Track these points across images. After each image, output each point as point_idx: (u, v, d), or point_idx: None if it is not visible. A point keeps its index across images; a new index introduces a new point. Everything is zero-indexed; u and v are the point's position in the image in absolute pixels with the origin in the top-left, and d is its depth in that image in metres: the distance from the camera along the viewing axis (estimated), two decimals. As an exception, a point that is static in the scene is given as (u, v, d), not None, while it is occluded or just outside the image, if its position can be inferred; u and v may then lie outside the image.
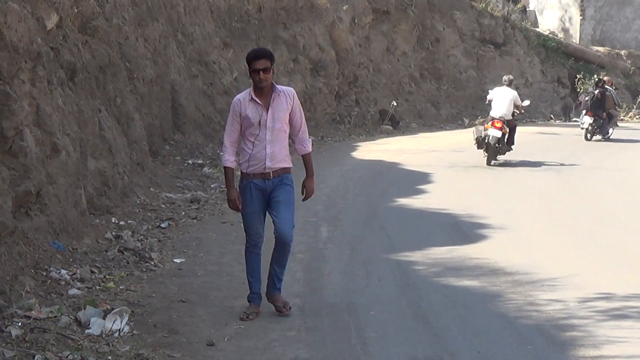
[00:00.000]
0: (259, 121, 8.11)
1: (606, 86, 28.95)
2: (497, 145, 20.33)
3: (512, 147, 21.40)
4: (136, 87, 16.01)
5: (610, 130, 28.59)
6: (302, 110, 8.50)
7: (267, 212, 8.39)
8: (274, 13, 25.82)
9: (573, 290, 9.64)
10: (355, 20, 29.59)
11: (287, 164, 8.31)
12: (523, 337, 8.13)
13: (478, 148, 20.72)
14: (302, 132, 8.43)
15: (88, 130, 12.19)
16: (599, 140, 27.33)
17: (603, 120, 27.55)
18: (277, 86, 8.29)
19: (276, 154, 8.15)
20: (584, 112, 27.72)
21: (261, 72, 8.00)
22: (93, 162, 12.21)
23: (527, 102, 23.39)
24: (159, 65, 17.94)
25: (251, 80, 8.23)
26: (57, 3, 12.17)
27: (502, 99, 21.05)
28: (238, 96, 8.44)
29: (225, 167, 8.39)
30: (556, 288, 9.74)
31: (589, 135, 27.69)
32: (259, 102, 8.14)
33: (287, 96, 8.24)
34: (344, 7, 28.81)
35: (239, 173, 8.58)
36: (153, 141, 16.51)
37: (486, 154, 20.49)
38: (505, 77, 22.40)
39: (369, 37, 30.64)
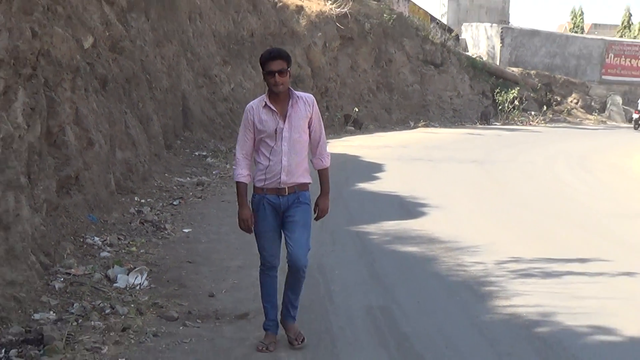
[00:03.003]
0: (275, 130, 6.00)
1: None
2: None
3: None
4: (154, 94, 15.96)
5: None
6: (321, 120, 6.30)
7: (282, 232, 6.29)
8: (263, 38, 25.80)
9: (491, 255, 9.73)
10: (327, 44, 29.67)
11: (306, 179, 6.18)
12: (452, 290, 8.21)
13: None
14: (320, 145, 6.30)
15: (116, 128, 12.16)
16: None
17: None
18: (295, 92, 6.15)
19: (293, 167, 6.04)
20: None
21: (277, 74, 5.92)
22: (120, 153, 12.19)
23: None
24: (172, 77, 17.88)
25: (265, 85, 6.11)
26: (92, 27, 12.16)
27: None
28: (251, 103, 6.22)
29: (237, 183, 6.16)
30: (478, 253, 9.82)
31: None
32: (275, 109, 6.02)
33: (306, 103, 6.13)
34: (318, 34, 28.97)
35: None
36: (167, 137, 16.49)
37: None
38: None
39: (337, 57, 30.71)
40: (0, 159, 6.70)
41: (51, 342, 5.90)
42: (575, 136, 32.36)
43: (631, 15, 70.49)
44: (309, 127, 6.14)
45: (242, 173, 6.13)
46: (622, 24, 69.11)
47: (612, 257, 9.92)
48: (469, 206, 13.73)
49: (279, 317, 6.36)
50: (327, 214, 6.45)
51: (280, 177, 6.02)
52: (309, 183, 6.22)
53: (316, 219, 6.38)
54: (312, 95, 6.28)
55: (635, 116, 39.31)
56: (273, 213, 6.09)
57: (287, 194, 6.04)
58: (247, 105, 6.21)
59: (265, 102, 6.04)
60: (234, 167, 6.35)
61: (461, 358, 6.21)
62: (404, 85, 34.36)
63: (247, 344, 6.26)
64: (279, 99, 6.04)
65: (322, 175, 6.35)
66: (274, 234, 6.17)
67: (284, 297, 6.30)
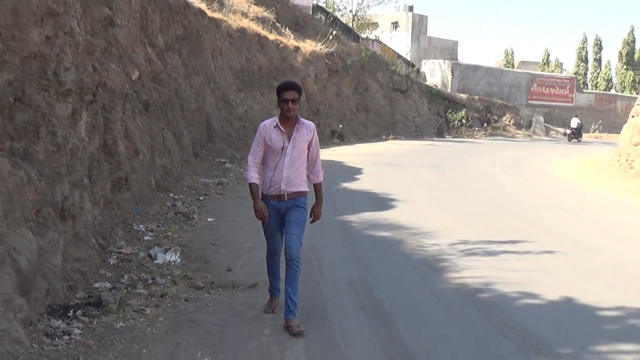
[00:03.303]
0: (282, 147, 5.88)
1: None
2: None
3: None
4: (185, 115, 15.96)
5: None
6: (318, 144, 6.22)
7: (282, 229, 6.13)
8: (268, 71, 25.78)
9: (444, 238, 9.76)
10: (317, 76, 29.65)
11: (303, 188, 6.03)
12: (415, 266, 8.24)
13: None
14: (316, 165, 6.17)
15: (156, 141, 12.17)
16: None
17: None
18: (301, 119, 6.04)
19: (291, 178, 5.92)
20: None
21: (290, 102, 5.85)
22: (159, 160, 12.18)
23: None
24: (199, 102, 17.87)
25: (279, 108, 5.98)
26: (138, 64, 12.17)
27: None
28: (265, 122, 6.11)
29: (250, 184, 6.03)
30: (434, 237, 9.84)
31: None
32: (283, 130, 5.89)
33: (308, 129, 6.01)
34: (311, 68, 28.97)
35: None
36: (195, 147, 16.46)
37: None
38: None
39: (326, 86, 30.67)
40: (69, 164, 6.71)
41: (107, 304, 5.93)
42: (508, 147, 32.46)
43: (549, 54, 71.29)
44: (308, 149, 6.01)
45: (254, 176, 6.00)
46: (543, 61, 69.61)
47: (536, 239, 9.98)
48: (428, 200, 13.76)
49: (281, 287, 6.22)
50: (319, 216, 6.29)
51: (280, 186, 5.89)
52: (306, 191, 6.05)
53: (312, 222, 6.26)
54: (313, 124, 6.18)
55: (567, 131, 40.60)
56: (275, 214, 5.96)
57: (286, 199, 5.91)
58: (262, 124, 6.08)
59: (277, 123, 5.91)
60: (246, 172, 6.14)
61: (421, 317, 6.23)
62: (378, 107, 34.38)
63: (256, 307, 6.29)
64: (288, 123, 5.91)
65: (317, 188, 6.23)
66: (276, 231, 6.06)
67: (285, 293, 5.91)
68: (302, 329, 5.66)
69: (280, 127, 5.89)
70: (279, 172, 5.89)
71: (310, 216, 6.21)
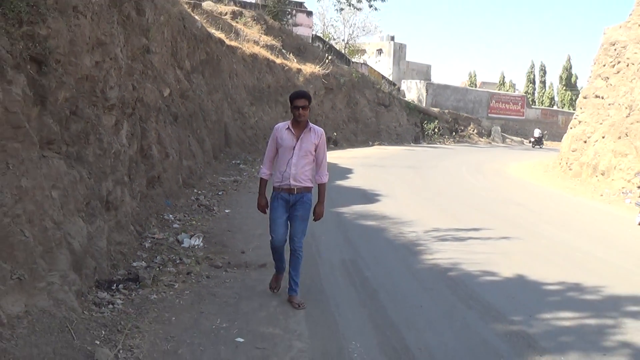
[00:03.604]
0: (292, 147, 5.62)
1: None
2: None
3: None
4: (207, 124, 15.91)
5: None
6: (325, 149, 5.82)
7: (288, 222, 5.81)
8: (275, 89, 25.67)
9: (420, 226, 9.76)
10: (316, 92, 29.51)
11: (309, 184, 5.73)
12: (396, 249, 8.23)
13: None
14: (322, 167, 5.76)
15: (183, 146, 12.14)
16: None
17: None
18: (311, 124, 5.73)
19: (298, 175, 5.63)
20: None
21: (301, 108, 5.58)
22: (185, 161, 12.15)
23: None
24: (218, 114, 17.83)
25: (291, 115, 5.69)
26: (169, 83, 12.18)
27: None
28: (279, 124, 5.84)
29: (260, 178, 5.88)
30: (412, 225, 9.85)
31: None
32: (294, 132, 5.65)
33: (316, 133, 5.69)
34: (310, 86, 28.79)
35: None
36: (215, 151, 16.40)
37: None
38: None
39: (323, 101, 30.59)
40: (112, 165, 6.71)
41: (143, 280, 5.92)
42: (472, 152, 32.46)
43: (505, 77, 72.02)
44: (315, 151, 5.68)
45: (265, 172, 5.81)
46: (500, 82, 70.08)
47: (495, 227, 10.00)
48: (407, 195, 13.73)
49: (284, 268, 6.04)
50: (321, 214, 5.83)
51: (289, 181, 5.62)
52: (311, 187, 5.74)
53: (315, 220, 5.86)
54: (322, 130, 5.81)
55: (532, 139, 41.05)
56: (284, 205, 5.68)
57: (295, 193, 5.64)
58: (276, 125, 5.84)
59: (289, 126, 5.66)
60: (260, 166, 5.90)
61: (401, 291, 6.25)
62: (365, 119, 34.31)
63: (266, 283, 6.27)
64: (299, 126, 5.64)
65: (320, 188, 5.80)
66: (282, 221, 5.70)
67: (288, 275, 5.81)
68: (302, 303, 5.63)
69: (292, 129, 5.67)
70: (288, 168, 5.63)
71: (313, 214, 5.83)
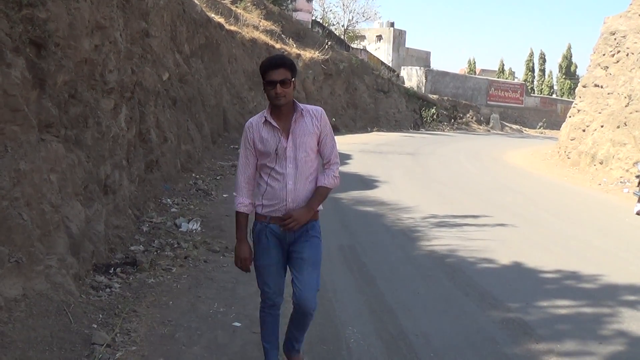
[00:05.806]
0: (276, 150, 3.37)
1: None
2: None
3: None
4: (205, 109, 15.85)
5: None
6: (333, 134, 3.57)
7: (287, 266, 3.58)
8: (275, 74, 25.61)
9: (418, 213, 9.77)
10: (315, 78, 29.52)
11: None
12: (394, 235, 8.24)
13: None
14: (331, 162, 3.59)
15: (181, 130, 12.10)
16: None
17: None
18: (300, 105, 3.46)
19: (300, 192, 3.42)
20: None
21: (278, 84, 3.30)
22: (183, 146, 12.13)
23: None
24: (217, 98, 17.78)
25: (266, 98, 3.41)
26: (168, 67, 12.09)
27: None
28: (251, 120, 3.52)
29: (237, 213, 3.52)
30: (410, 212, 9.86)
31: None
32: (277, 125, 3.39)
33: (313, 116, 3.44)
34: (310, 72, 28.81)
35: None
36: (213, 136, 16.36)
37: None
38: None
39: (322, 86, 30.52)
40: (111, 149, 6.68)
41: (141, 264, 5.92)
42: (471, 139, 32.41)
43: (504, 64, 71.82)
44: (319, 144, 3.51)
45: (244, 202, 3.51)
46: (499, 69, 69.85)
47: (492, 214, 10.01)
48: (405, 182, 13.73)
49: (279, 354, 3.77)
50: (297, 222, 3.43)
51: (285, 204, 3.42)
52: (319, 210, 3.59)
53: (283, 226, 3.45)
54: (320, 108, 3.57)
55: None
56: (277, 245, 3.51)
57: None
58: (247, 122, 3.54)
59: (266, 117, 3.43)
60: (234, 194, 3.60)
61: (399, 277, 6.25)
62: (364, 105, 34.25)
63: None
64: (282, 114, 3.42)
65: (319, 192, 3.54)
66: (277, 269, 3.55)
67: (288, 333, 3.72)
68: None
69: (272, 121, 3.43)
70: (280, 183, 3.42)
71: (285, 217, 3.43)
